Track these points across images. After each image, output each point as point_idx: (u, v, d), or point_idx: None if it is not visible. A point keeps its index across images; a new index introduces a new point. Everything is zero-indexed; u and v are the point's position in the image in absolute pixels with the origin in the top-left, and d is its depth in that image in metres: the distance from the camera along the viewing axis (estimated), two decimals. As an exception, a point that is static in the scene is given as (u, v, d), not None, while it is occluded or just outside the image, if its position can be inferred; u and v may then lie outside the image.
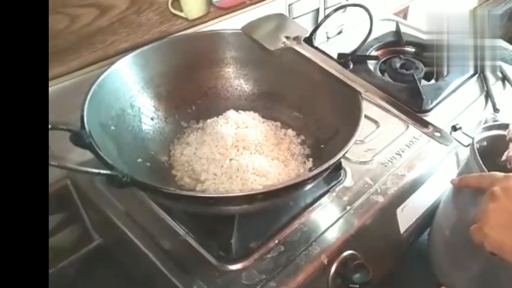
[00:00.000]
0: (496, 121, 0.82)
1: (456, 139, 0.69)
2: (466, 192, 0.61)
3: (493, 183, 0.53)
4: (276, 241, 0.60)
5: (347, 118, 0.62)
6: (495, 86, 0.91)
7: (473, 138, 0.64)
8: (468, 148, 0.65)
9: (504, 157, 0.66)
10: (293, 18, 0.94)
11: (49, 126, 0.43)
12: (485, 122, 0.82)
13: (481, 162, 0.60)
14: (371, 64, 0.94)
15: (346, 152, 0.55)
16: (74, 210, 0.76)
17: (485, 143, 0.68)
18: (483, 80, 0.91)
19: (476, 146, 0.64)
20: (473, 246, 0.53)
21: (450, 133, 0.72)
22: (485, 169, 0.60)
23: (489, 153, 0.68)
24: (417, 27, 1.09)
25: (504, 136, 0.68)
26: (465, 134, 0.68)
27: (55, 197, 0.71)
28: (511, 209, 0.51)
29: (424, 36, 1.03)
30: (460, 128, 0.69)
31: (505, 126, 0.69)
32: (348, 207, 0.65)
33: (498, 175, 0.55)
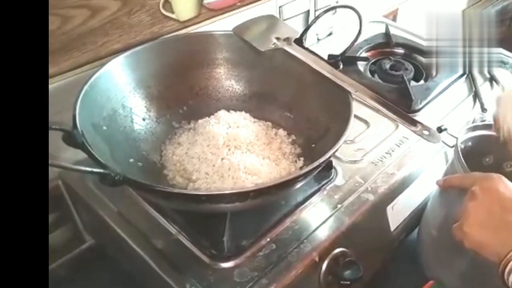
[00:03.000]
0: (483, 121, 0.83)
1: (442, 140, 0.70)
2: (452, 192, 0.62)
3: (473, 183, 0.55)
4: (268, 239, 0.60)
5: (337, 118, 0.63)
6: (483, 86, 0.92)
7: (457, 139, 0.65)
8: (453, 148, 0.66)
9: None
10: (284, 20, 0.95)
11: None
12: (473, 122, 0.84)
13: (464, 162, 0.61)
14: (361, 65, 0.95)
15: (336, 151, 0.56)
16: (66, 210, 0.75)
17: (470, 143, 0.69)
18: (471, 81, 0.93)
19: (461, 146, 0.65)
20: (458, 245, 0.54)
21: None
22: (468, 170, 0.60)
23: (474, 153, 0.69)
24: (406, 29, 1.10)
25: (489, 136, 0.69)
26: (451, 135, 0.69)
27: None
28: (489, 207, 0.52)
29: (414, 38, 1.04)
30: (445, 129, 0.70)
31: (490, 127, 0.70)
32: (339, 205, 0.65)
33: (478, 175, 0.56)
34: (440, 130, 0.70)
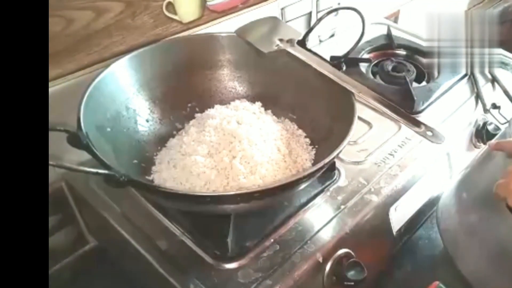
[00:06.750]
0: (486, 121, 0.84)
1: (493, 116, 0.79)
2: (499, 157, 0.63)
3: None
4: (272, 240, 0.60)
5: (341, 119, 0.63)
6: (485, 87, 0.92)
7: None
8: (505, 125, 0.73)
9: None
10: (286, 22, 0.95)
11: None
12: (476, 123, 0.84)
13: None
14: (363, 66, 0.95)
15: (340, 152, 0.56)
16: (69, 212, 0.75)
17: None
18: (473, 82, 0.93)
19: None
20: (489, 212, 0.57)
21: (489, 109, 0.82)
22: None
23: None
24: (408, 30, 1.10)
25: None
26: (501, 115, 0.79)
27: (49, 199, 0.71)
28: None
29: (415, 40, 1.04)
30: (499, 107, 0.76)
31: None
32: (342, 207, 0.65)
33: None
34: (494, 106, 0.79)
